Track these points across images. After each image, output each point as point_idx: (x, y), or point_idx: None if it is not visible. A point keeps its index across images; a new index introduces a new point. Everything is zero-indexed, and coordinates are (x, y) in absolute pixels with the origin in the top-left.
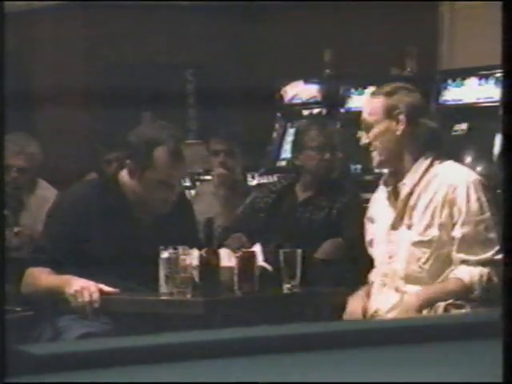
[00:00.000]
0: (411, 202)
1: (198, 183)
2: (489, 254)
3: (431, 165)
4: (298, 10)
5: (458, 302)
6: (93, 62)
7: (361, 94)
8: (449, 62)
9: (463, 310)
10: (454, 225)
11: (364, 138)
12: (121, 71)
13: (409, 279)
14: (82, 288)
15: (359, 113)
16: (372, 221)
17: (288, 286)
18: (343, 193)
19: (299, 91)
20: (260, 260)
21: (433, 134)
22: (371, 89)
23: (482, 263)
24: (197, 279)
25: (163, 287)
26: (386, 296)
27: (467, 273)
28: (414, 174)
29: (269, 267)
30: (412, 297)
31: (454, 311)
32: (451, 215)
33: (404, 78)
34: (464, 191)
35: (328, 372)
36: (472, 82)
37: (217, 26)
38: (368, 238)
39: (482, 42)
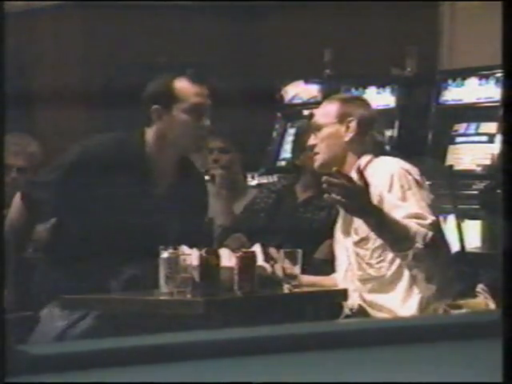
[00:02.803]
0: None
1: None
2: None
3: (366, 165)
4: (298, 10)
5: (457, 303)
6: (92, 62)
7: (361, 94)
8: (449, 62)
9: (463, 310)
10: None
11: (312, 139)
12: (121, 71)
13: (364, 279)
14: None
15: (310, 114)
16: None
17: (288, 286)
18: None
19: (299, 91)
20: (260, 260)
21: (377, 146)
22: (371, 89)
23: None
24: (197, 279)
25: (163, 287)
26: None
27: (415, 225)
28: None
29: (269, 267)
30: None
31: (454, 311)
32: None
33: (404, 77)
34: (388, 180)
35: (328, 372)
36: (472, 81)
37: (217, 26)
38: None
39: (482, 41)
